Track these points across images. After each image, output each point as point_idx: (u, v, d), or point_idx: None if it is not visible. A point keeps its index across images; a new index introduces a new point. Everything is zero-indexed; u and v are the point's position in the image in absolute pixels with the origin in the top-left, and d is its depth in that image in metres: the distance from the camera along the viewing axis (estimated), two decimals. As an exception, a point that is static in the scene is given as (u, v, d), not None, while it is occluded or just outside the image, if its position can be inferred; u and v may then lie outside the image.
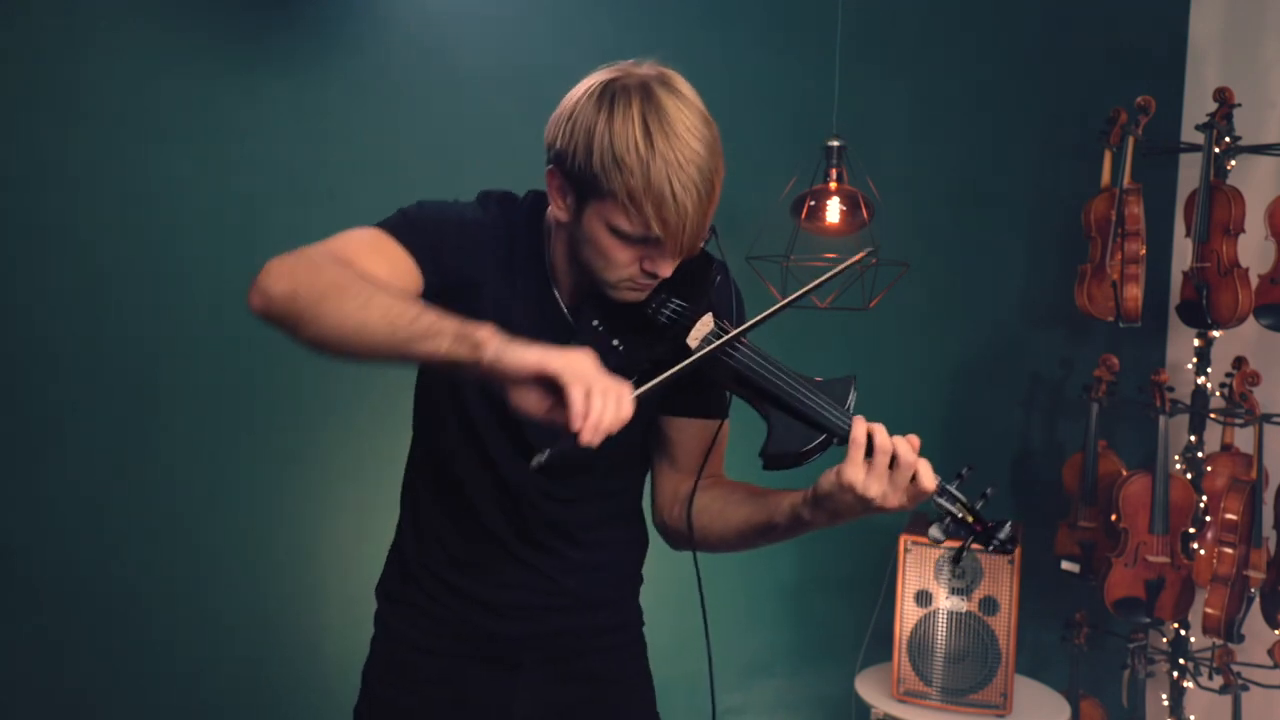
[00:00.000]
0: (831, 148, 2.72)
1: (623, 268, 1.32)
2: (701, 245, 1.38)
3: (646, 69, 1.34)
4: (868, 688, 2.93)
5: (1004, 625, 2.77)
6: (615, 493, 1.60)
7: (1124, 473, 2.99)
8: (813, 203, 2.71)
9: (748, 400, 1.38)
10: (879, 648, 3.01)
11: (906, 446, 1.27)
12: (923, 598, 2.82)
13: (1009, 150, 3.34)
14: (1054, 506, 3.25)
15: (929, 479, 1.28)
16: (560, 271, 1.43)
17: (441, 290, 1.36)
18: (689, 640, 3.23)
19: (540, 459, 1.16)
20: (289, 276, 1.24)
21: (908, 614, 2.83)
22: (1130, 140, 2.98)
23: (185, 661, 2.71)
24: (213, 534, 2.71)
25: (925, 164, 3.24)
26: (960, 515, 1.31)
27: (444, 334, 1.15)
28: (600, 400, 1.12)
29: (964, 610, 2.80)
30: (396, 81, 2.78)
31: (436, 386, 1.52)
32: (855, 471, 1.27)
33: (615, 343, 1.36)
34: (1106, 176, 3.05)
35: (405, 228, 1.37)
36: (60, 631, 2.62)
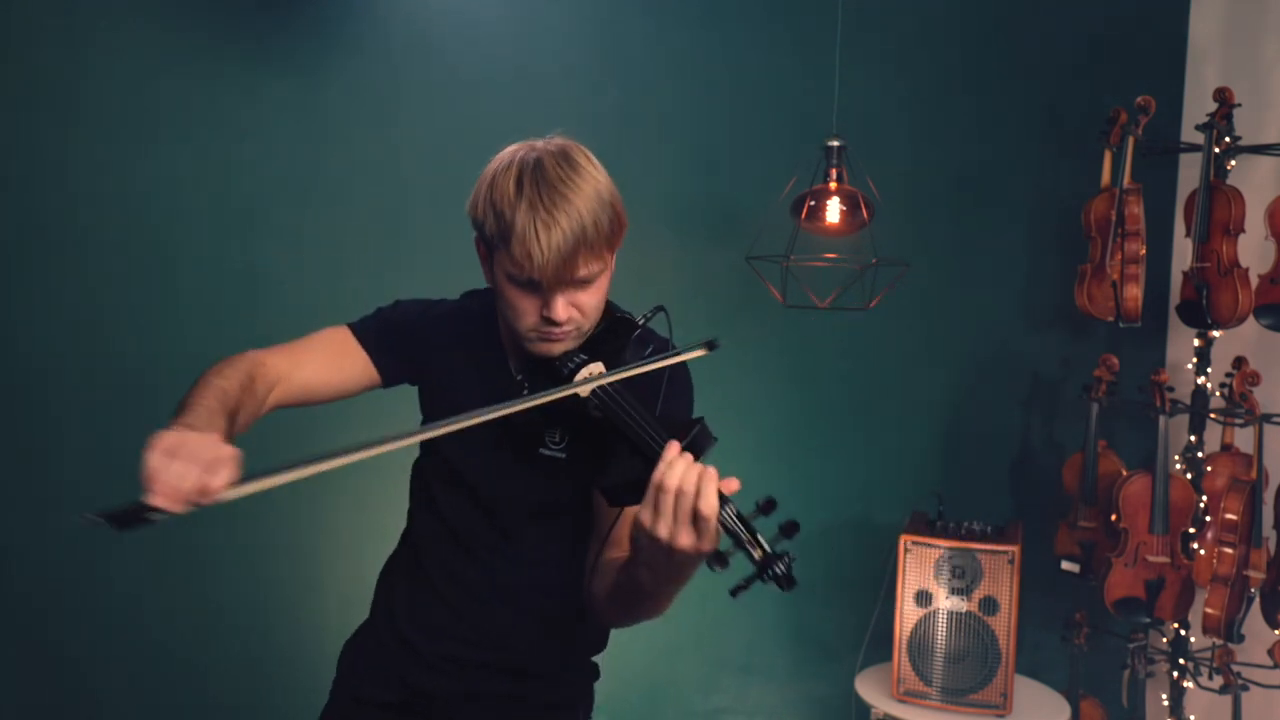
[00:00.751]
0: (831, 148, 2.72)
1: (526, 316, 1.42)
2: (588, 279, 1.42)
3: (551, 142, 1.46)
4: (868, 688, 2.93)
5: (1004, 625, 2.77)
6: (553, 559, 1.58)
7: (1124, 473, 2.99)
8: (813, 203, 2.71)
9: (612, 440, 1.41)
10: (879, 648, 3.01)
11: (692, 478, 1.25)
12: (923, 598, 2.82)
13: (1009, 150, 3.34)
14: (1054, 506, 3.25)
15: (708, 506, 1.24)
16: (507, 340, 1.56)
17: (402, 377, 1.60)
18: (677, 642, 3.24)
19: (87, 517, 1.18)
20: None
21: (908, 614, 2.83)
22: (1130, 140, 2.98)
23: (184, 661, 2.71)
24: (212, 534, 2.71)
25: (925, 164, 3.24)
26: (737, 537, 1.29)
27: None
28: (181, 465, 1.17)
29: (964, 610, 2.80)
30: (396, 81, 2.78)
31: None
32: (644, 512, 1.26)
33: (525, 390, 1.45)
34: (1106, 176, 3.05)
35: (372, 330, 1.58)
36: (59, 631, 2.62)
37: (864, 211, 2.70)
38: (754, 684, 3.25)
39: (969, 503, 3.13)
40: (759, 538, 1.28)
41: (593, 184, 1.42)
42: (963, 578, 2.80)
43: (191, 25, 2.61)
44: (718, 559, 1.27)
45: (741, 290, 2.96)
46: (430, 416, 1.60)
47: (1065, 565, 3.14)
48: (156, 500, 1.16)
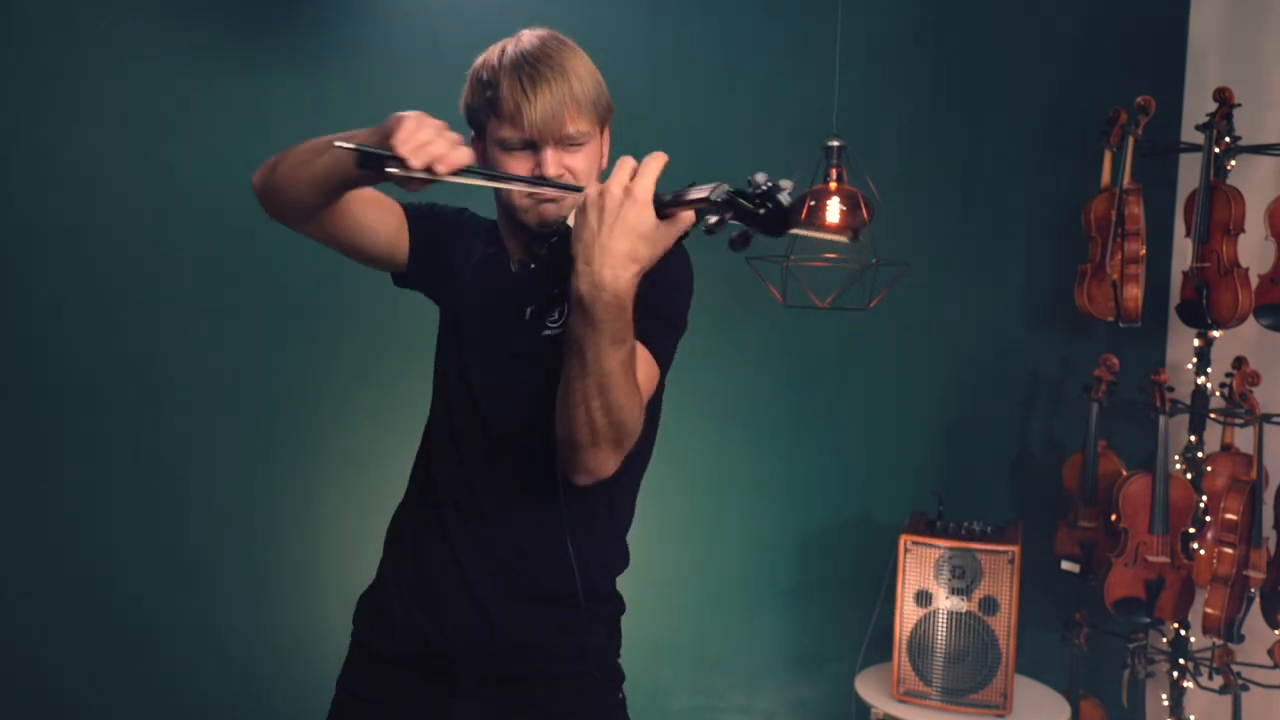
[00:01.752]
0: (831, 148, 2.72)
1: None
2: (577, 139, 1.45)
3: (535, 28, 1.53)
4: (868, 688, 2.93)
5: (1004, 625, 2.77)
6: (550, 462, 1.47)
7: (1124, 473, 2.99)
8: (813, 203, 2.71)
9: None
10: (879, 648, 3.01)
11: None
12: (923, 598, 2.82)
13: (1009, 150, 3.34)
14: (1054, 506, 3.25)
15: (650, 158, 1.27)
16: (506, 236, 1.58)
17: (423, 263, 1.59)
18: (677, 642, 3.24)
19: (345, 144, 1.29)
20: (276, 156, 1.55)
21: (908, 614, 2.83)
22: (1130, 140, 2.98)
23: (184, 661, 2.71)
24: (212, 533, 2.71)
25: (925, 164, 3.24)
26: (723, 196, 1.20)
27: (361, 132, 1.35)
28: (431, 132, 1.26)
29: (964, 610, 2.80)
30: (396, 81, 2.78)
31: (441, 351, 1.62)
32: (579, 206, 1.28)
33: (530, 265, 1.50)
34: (1106, 176, 3.05)
35: (415, 211, 1.61)
36: (59, 630, 2.62)
37: (864, 211, 2.70)
38: (754, 684, 3.25)
39: (969, 503, 3.13)
40: (747, 193, 1.19)
41: (577, 56, 1.49)
42: (963, 578, 2.80)
43: (191, 25, 2.61)
44: (709, 229, 1.20)
45: (741, 290, 2.96)
46: (444, 316, 1.62)
47: (1065, 565, 3.14)
48: (403, 149, 1.24)
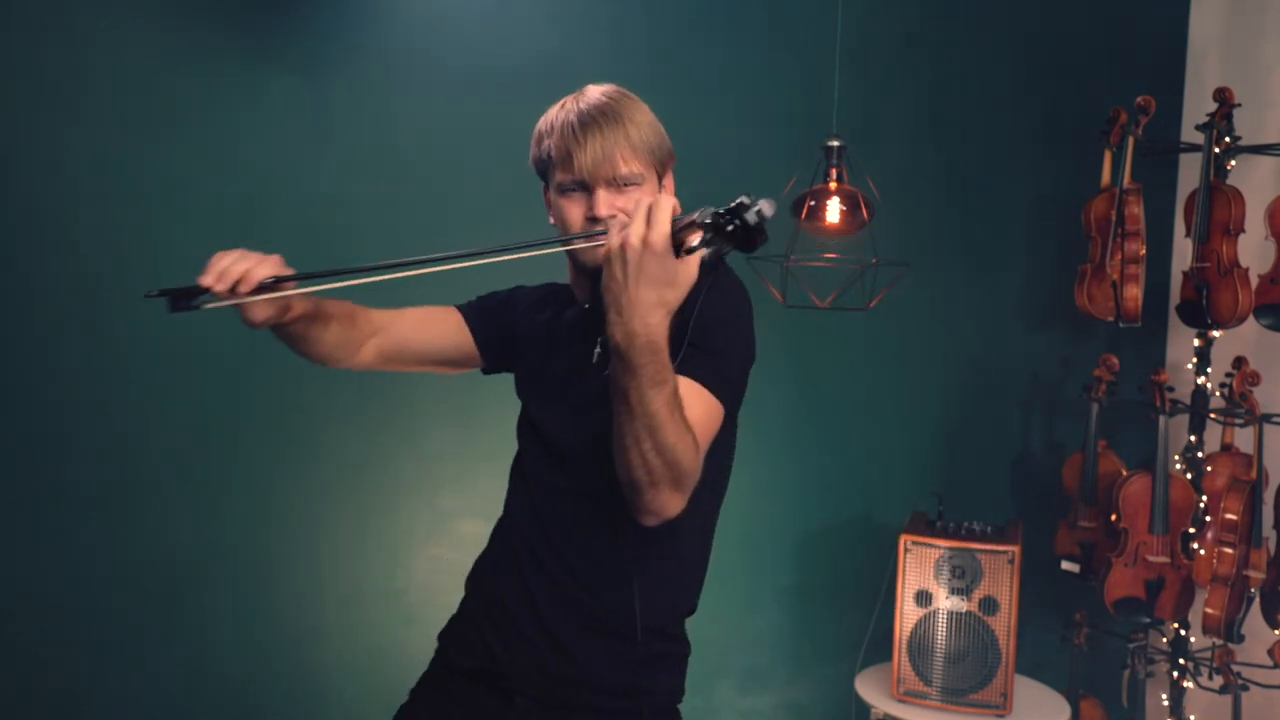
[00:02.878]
0: (831, 148, 2.72)
1: (574, 224, 1.49)
2: (629, 180, 1.47)
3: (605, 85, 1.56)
4: (868, 688, 2.93)
5: (1004, 625, 2.77)
6: (616, 521, 1.48)
7: (1124, 473, 2.99)
8: (813, 203, 2.71)
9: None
10: (879, 648, 3.01)
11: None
12: (923, 598, 2.82)
13: (1009, 150, 3.34)
14: (1054, 506, 3.25)
15: (657, 202, 1.25)
16: (575, 285, 1.63)
17: (494, 342, 1.71)
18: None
19: (153, 291, 1.35)
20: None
21: (908, 614, 2.83)
22: (1130, 140, 2.97)
23: (184, 661, 2.71)
24: (212, 533, 2.71)
25: (925, 164, 3.24)
26: (707, 217, 1.25)
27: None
28: (235, 257, 1.37)
29: (964, 610, 2.80)
30: (396, 81, 2.78)
31: (519, 379, 1.71)
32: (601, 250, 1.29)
33: (587, 305, 1.54)
34: (1106, 176, 3.05)
35: (468, 304, 1.73)
36: (57, 629, 2.62)
37: (864, 211, 2.70)
38: (754, 684, 3.25)
39: (969, 503, 3.13)
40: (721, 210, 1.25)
41: (636, 106, 1.52)
42: (963, 578, 2.80)
43: (191, 25, 2.61)
44: (692, 226, 1.24)
45: (742, 285, 2.96)
46: (520, 385, 1.68)
47: (1065, 565, 3.14)
48: (205, 280, 1.35)
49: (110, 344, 2.61)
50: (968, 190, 3.30)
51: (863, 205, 2.69)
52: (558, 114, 1.51)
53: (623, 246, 1.24)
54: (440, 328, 1.69)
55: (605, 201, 1.46)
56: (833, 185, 2.72)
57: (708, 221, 1.25)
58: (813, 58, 2.93)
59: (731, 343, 1.57)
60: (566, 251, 1.54)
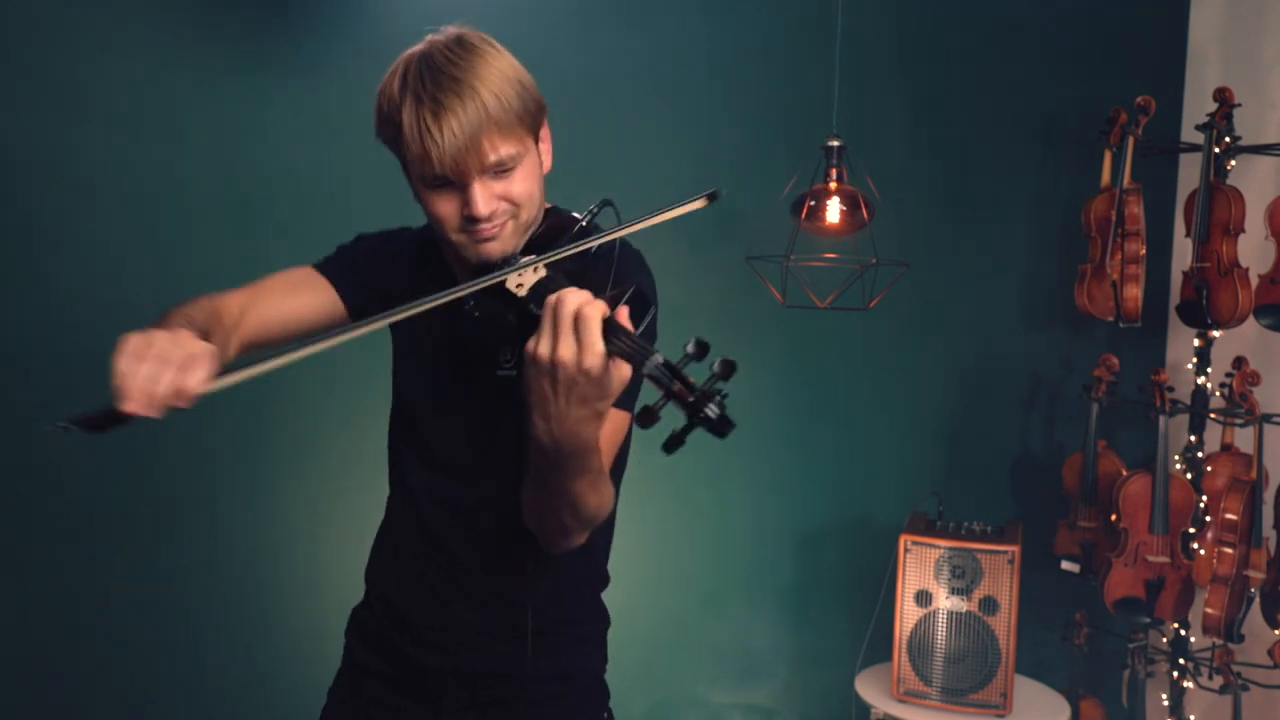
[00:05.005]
0: (831, 148, 2.72)
1: (449, 220, 1.30)
2: (506, 164, 1.29)
3: (446, 31, 1.32)
4: (868, 688, 2.93)
5: (1004, 625, 2.77)
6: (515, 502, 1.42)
7: (1124, 473, 2.98)
8: (813, 203, 2.71)
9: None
10: (879, 648, 3.01)
11: (575, 295, 1.13)
12: (923, 598, 2.82)
13: (1009, 150, 3.34)
14: (1054, 506, 3.25)
15: (589, 310, 1.11)
16: (452, 260, 1.44)
17: (365, 305, 1.46)
18: (677, 642, 3.24)
19: (57, 425, 1.13)
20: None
21: (908, 614, 2.83)
22: (1130, 140, 2.97)
23: (183, 661, 2.71)
24: (212, 533, 2.71)
25: (925, 164, 3.24)
26: (665, 386, 1.10)
27: None
28: (152, 366, 1.10)
29: (964, 610, 2.80)
30: (396, 81, 2.78)
31: (398, 373, 1.53)
32: (530, 342, 1.15)
33: (469, 304, 1.30)
34: (1106, 176, 3.05)
35: (333, 263, 1.51)
36: (56, 629, 2.62)
37: (864, 211, 2.70)
38: (754, 684, 3.25)
39: (969, 503, 3.13)
40: (688, 381, 1.10)
41: (493, 62, 1.27)
42: (963, 578, 2.80)
43: (192, 25, 2.61)
44: (645, 415, 1.09)
45: (741, 290, 2.96)
46: (394, 353, 1.52)
47: (1065, 565, 3.14)
48: (129, 406, 1.11)
49: (110, 342, 2.61)
50: (968, 190, 3.30)
51: (863, 205, 2.69)
52: (398, 90, 1.26)
53: (554, 366, 1.11)
54: (305, 298, 1.46)
55: (484, 198, 1.27)
56: (833, 185, 2.72)
57: (656, 376, 1.09)
58: (813, 58, 2.93)
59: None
60: (443, 240, 1.36)
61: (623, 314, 1.15)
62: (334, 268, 1.50)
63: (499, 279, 1.24)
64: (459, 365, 1.42)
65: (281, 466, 2.79)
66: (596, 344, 1.11)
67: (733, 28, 3.08)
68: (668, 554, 3.02)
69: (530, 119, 1.31)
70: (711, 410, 1.09)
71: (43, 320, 2.57)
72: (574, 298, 1.13)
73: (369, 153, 2.79)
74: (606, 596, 1.59)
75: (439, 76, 1.25)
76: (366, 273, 1.49)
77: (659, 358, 1.11)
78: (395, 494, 1.56)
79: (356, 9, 2.75)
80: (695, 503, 3.08)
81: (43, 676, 2.62)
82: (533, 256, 1.28)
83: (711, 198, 1.34)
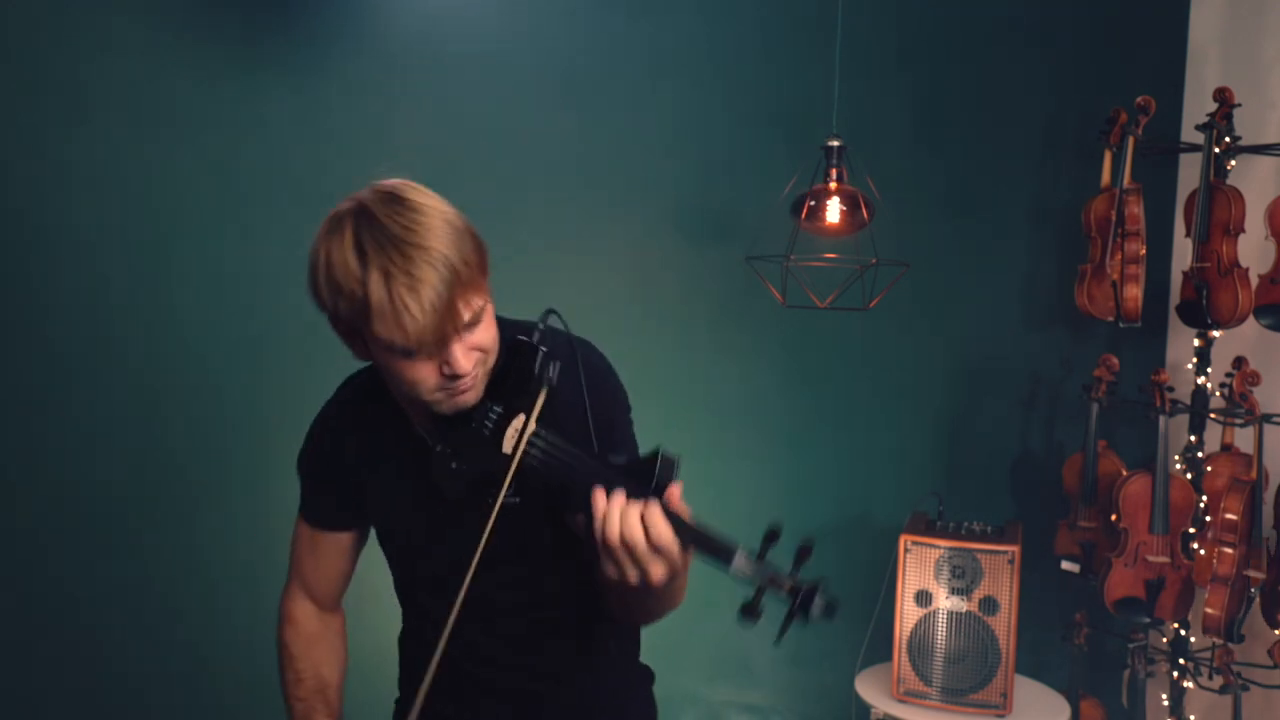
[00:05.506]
0: (831, 148, 2.72)
1: (425, 383, 1.28)
2: (476, 320, 1.29)
3: (373, 189, 1.29)
4: (868, 688, 2.93)
5: (1004, 625, 2.77)
6: (556, 613, 1.52)
7: (1124, 473, 2.99)
8: (813, 203, 2.71)
9: (565, 498, 1.37)
10: (879, 648, 3.01)
11: (633, 522, 1.22)
12: (923, 598, 2.82)
13: (1009, 150, 3.34)
14: (1054, 506, 3.25)
15: (662, 537, 1.23)
16: (408, 405, 1.43)
17: (356, 505, 1.53)
18: (677, 642, 3.23)
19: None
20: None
21: (908, 614, 2.83)
22: (1130, 140, 2.97)
23: (183, 661, 2.71)
24: (212, 533, 2.71)
25: (925, 164, 3.24)
26: (760, 585, 1.23)
27: None
28: None
29: (964, 610, 2.80)
30: (396, 82, 2.78)
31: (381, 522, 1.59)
32: (606, 567, 1.24)
33: (454, 465, 1.34)
34: (1106, 176, 3.05)
35: (310, 513, 1.61)
36: (55, 629, 2.62)
37: (864, 211, 2.70)
38: (754, 684, 3.25)
39: (969, 503, 3.13)
40: (780, 574, 1.22)
41: (439, 217, 1.24)
42: (963, 578, 2.80)
43: (192, 25, 2.61)
44: (749, 612, 1.24)
45: (741, 290, 2.96)
46: (375, 522, 1.56)
47: (1065, 565, 3.14)
48: None
49: (111, 342, 2.61)
50: (968, 190, 3.30)
51: (863, 205, 2.69)
52: (356, 262, 1.21)
53: (645, 585, 1.25)
54: (335, 554, 1.62)
55: (462, 355, 1.26)
56: (833, 185, 2.72)
57: (756, 581, 1.23)
58: (813, 58, 2.93)
59: (628, 419, 1.50)
60: (413, 403, 1.36)
61: (674, 494, 1.25)
62: (317, 515, 1.60)
63: (513, 465, 1.31)
64: (456, 511, 1.41)
65: (282, 466, 2.78)
66: (676, 553, 1.24)
67: (733, 28, 3.08)
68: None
69: (483, 267, 1.29)
70: (818, 602, 1.26)
71: (43, 320, 2.56)
72: (635, 531, 1.22)
73: (369, 153, 2.80)
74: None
75: (402, 246, 1.20)
76: (329, 490, 1.55)
77: (743, 557, 1.25)
78: (416, 624, 1.62)
79: (356, 9, 2.75)
80: (695, 503, 3.08)
81: (42, 677, 2.61)
82: (520, 415, 1.33)
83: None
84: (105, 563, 2.63)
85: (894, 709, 2.83)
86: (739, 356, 3.10)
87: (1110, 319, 3.03)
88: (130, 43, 2.57)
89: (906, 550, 2.82)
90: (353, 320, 1.26)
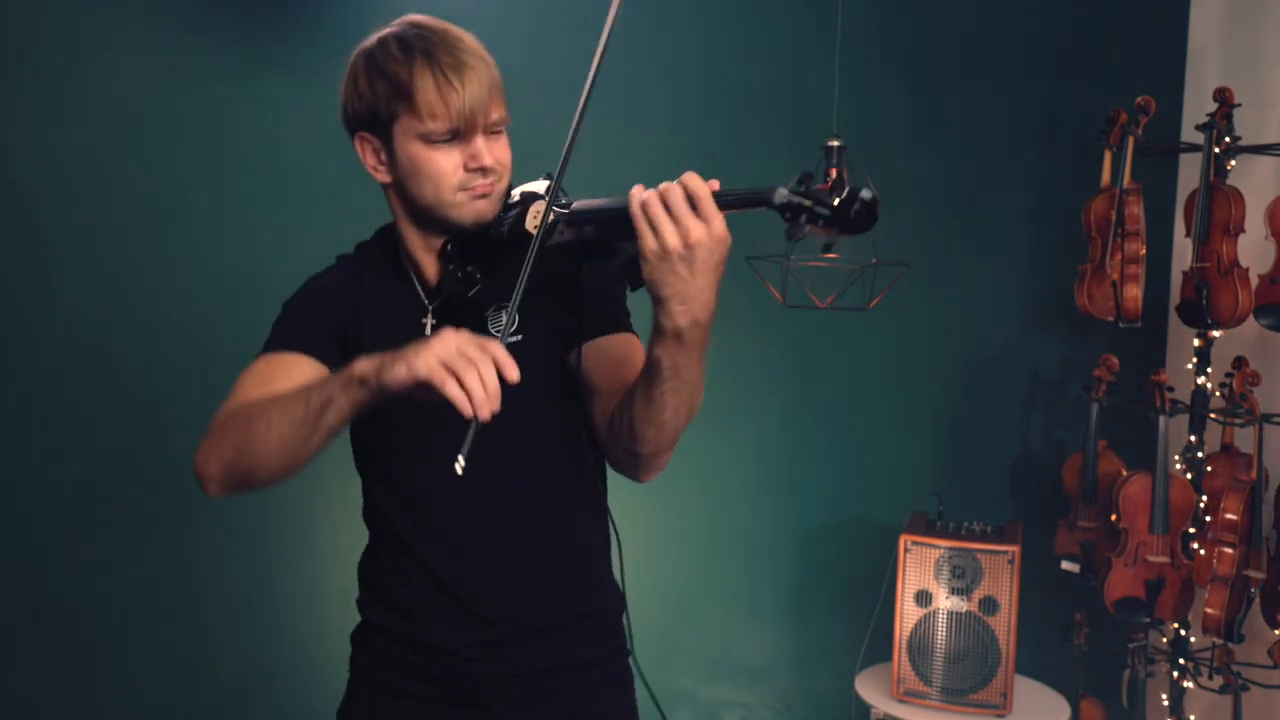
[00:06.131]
0: (831, 148, 2.72)
1: (450, 177, 1.35)
2: (500, 126, 1.38)
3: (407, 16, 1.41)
4: (868, 688, 2.93)
5: (1004, 625, 2.77)
6: (545, 479, 1.46)
7: (1124, 473, 2.99)
8: (813, 203, 2.71)
9: (598, 256, 1.34)
10: (879, 648, 3.01)
11: (669, 185, 1.19)
12: (923, 598, 2.82)
13: (1009, 150, 3.34)
14: (1054, 506, 3.25)
15: (697, 184, 1.18)
16: (418, 256, 1.45)
17: (341, 355, 1.42)
18: (677, 642, 3.23)
19: (461, 462, 1.14)
20: (213, 456, 1.39)
21: (908, 614, 2.83)
22: (1130, 140, 2.98)
23: (183, 661, 2.71)
24: (213, 532, 2.71)
25: (925, 164, 3.24)
26: (804, 198, 1.15)
27: (333, 394, 1.26)
28: (473, 376, 1.13)
29: (964, 610, 2.80)
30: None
31: (368, 425, 1.49)
32: (646, 238, 1.19)
33: (470, 269, 1.37)
34: (1106, 176, 3.05)
35: (281, 337, 1.48)
36: (56, 629, 2.62)
37: (864, 211, 2.70)
38: (754, 684, 3.25)
39: (969, 503, 3.13)
40: (819, 187, 1.15)
41: (474, 39, 1.39)
42: (963, 578, 2.80)
43: (192, 25, 2.61)
44: (792, 226, 1.15)
45: (741, 290, 2.96)
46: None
47: (1065, 565, 3.14)
48: (483, 415, 1.15)
49: (112, 342, 2.61)
50: (968, 190, 3.30)
51: (863, 205, 2.69)
52: (399, 52, 1.34)
53: (687, 248, 1.17)
54: (296, 382, 1.42)
55: (488, 149, 1.36)
56: (833, 185, 2.71)
57: (794, 204, 1.13)
58: (813, 58, 2.93)
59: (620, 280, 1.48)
60: (429, 205, 1.37)
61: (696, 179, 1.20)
62: (293, 339, 1.47)
63: (549, 222, 1.28)
64: None
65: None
66: (717, 212, 1.18)
67: (733, 27, 3.08)
68: (667, 553, 3.02)
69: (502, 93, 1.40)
70: (865, 194, 1.15)
71: (43, 320, 2.56)
72: (671, 185, 1.18)
73: (369, 153, 2.79)
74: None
75: (446, 39, 1.34)
76: (317, 324, 1.48)
77: (783, 189, 1.15)
78: (389, 517, 1.52)
79: (357, 9, 2.75)
80: (695, 502, 3.08)
81: (41, 677, 2.61)
82: (539, 201, 1.34)
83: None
84: (105, 563, 2.63)
85: (894, 709, 2.83)
86: (739, 356, 3.10)
87: (1110, 319, 3.03)
88: (130, 43, 2.57)
89: (906, 550, 2.82)
90: (387, 106, 1.34)
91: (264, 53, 2.67)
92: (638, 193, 1.21)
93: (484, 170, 1.36)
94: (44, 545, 2.59)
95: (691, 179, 1.19)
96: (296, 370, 1.43)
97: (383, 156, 1.41)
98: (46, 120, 2.53)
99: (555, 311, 1.40)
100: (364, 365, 1.22)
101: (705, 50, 3.06)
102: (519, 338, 1.41)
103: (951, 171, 3.28)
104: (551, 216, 1.31)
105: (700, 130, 3.07)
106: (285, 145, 2.71)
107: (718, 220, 1.18)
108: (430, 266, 1.45)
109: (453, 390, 1.13)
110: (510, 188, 1.43)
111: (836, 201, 1.14)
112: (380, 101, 1.36)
